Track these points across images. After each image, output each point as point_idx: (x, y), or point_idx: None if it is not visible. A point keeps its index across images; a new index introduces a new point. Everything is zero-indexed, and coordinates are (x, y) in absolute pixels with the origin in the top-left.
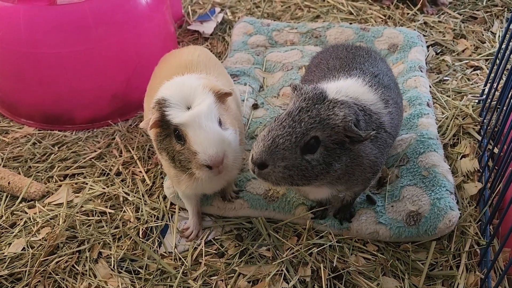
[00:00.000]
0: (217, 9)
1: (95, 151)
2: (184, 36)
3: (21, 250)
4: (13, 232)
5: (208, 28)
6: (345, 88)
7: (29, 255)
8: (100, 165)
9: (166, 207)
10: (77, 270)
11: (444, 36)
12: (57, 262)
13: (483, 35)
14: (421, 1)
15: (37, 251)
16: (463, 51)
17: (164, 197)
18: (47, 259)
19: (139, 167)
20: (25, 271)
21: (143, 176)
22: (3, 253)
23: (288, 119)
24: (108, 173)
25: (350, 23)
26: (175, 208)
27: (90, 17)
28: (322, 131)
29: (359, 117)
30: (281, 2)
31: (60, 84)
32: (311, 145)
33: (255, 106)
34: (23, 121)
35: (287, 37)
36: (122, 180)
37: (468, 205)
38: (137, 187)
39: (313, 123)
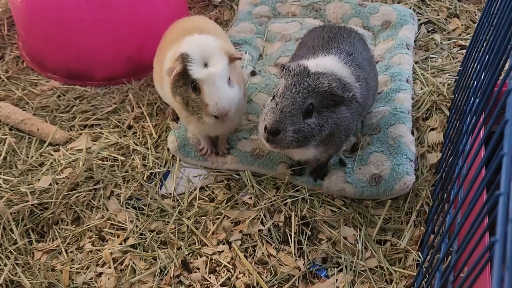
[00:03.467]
0: None
1: (111, 106)
2: (195, 2)
3: (48, 185)
4: (41, 170)
5: None
6: (322, 63)
7: (54, 190)
8: (115, 118)
9: (168, 157)
10: (93, 204)
11: (438, 15)
12: (77, 197)
13: (476, 15)
14: None
15: (61, 186)
16: (453, 30)
17: (168, 150)
18: (69, 194)
19: (147, 122)
20: (51, 202)
21: (150, 130)
22: (34, 187)
23: (288, 92)
24: (121, 126)
25: None
26: (176, 159)
27: None
28: (315, 98)
29: (338, 85)
30: None
31: (81, 45)
32: (309, 110)
33: (253, 73)
34: (49, 75)
35: (289, 9)
36: (133, 133)
37: (427, 172)
38: (145, 139)
39: (307, 93)
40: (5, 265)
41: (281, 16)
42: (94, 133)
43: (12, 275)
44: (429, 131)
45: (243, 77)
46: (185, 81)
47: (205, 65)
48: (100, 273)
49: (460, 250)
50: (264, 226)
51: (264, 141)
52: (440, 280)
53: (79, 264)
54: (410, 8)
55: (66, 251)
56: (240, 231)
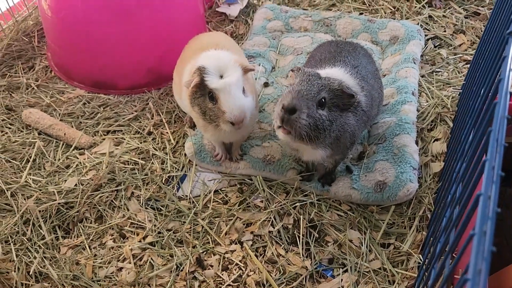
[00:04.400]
0: None
1: (132, 113)
2: (212, 17)
3: (74, 186)
4: (67, 172)
5: (234, 11)
6: (331, 73)
7: (79, 190)
8: (136, 125)
9: (185, 161)
10: (115, 204)
11: (445, 31)
12: (100, 197)
13: (481, 31)
14: None
15: (86, 187)
16: (459, 45)
17: (185, 155)
18: (93, 194)
19: (166, 129)
20: (76, 202)
21: (169, 136)
22: (61, 187)
23: (303, 83)
24: (141, 132)
25: (361, 13)
26: (192, 163)
27: (133, 3)
28: (327, 93)
29: (349, 87)
30: None
31: (106, 56)
32: (322, 103)
33: (265, 84)
34: (75, 84)
35: (301, 23)
36: (152, 139)
37: (430, 180)
38: (164, 145)
39: (321, 87)
40: (35, 257)
41: (293, 31)
42: (116, 138)
43: (40, 267)
44: (433, 141)
45: (256, 87)
46: (202, 92)
47: (221, 77)
48: (121, 268)
49: (451, 250)
50: (274, 228)
51: (278, 127)
52: (434, 279)
53: (101, 259)
54: (418, 24)
55: (89, 247)
56: (252, 232)
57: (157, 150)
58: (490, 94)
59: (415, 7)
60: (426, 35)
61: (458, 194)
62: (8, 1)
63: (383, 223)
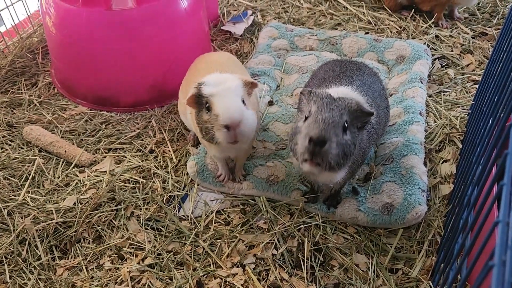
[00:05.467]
0: (249, 12)
1: (134, 131)
2: (217, 35)
3: (72, 205)
4: (67, 190)
5: (239, 29)
6: (341, 91)
7: (78, 209)
8: (137, 143)
9: (187, 181)
10: (114, 224)
11: (452, 51)
12: (99, 216)
13: (489, 51)
14: (436, 14)
15: (85, 206)
16: (467, 65)
17: (187, 174)
18: (92, 213)
19: (168, 147)
20: (75, 221)
21: (171, 155)
22: (59, 205)
23: (324, 109)
24: (143, 150)
25: (367, 33)
26: (194, 183)
27: (137, 21)
28: (348, 116)
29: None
30: (308, 9)
31: (109, 73)
32: (345, 127)
33: (270, 103)
34: (78, 101)
35: (307, 42)
36: (154, 157)
37: (439, 203)
38: (166, 163)
39: (341, 110)
40: (29, 279)
41: (298, 50)
42: (117, 156)
43: None
44: (442, 162)
45: (259, 105)
46: (200, 108)
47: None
48: None
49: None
50: (277, 251)
51: (304, 161)
52: None
53: (98, 282)
54: (425, 43)
55: (86, 268)
56: (254, 255)
57: (158, 169)
58: (504, 115)
59: (421, 27)
60: (433, 55)
61: (471, 220)
62: (13, 18)
63: (391, 247)
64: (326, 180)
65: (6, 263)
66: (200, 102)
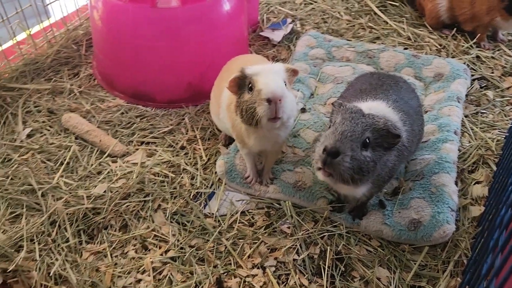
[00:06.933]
0: (289, 20)
1: (168, 126)
2: (255, 40)
3: (103, 192)
4: (98, 178)
5: (277, 36)
6: (374, 107)
7: (108, 197)
8: (169, 138)
9: (215, 179)
10: (141, 214)
11: (493, 72)
12: (127, 206)
13: None
14: (479, 35)
15: (114, 195)
16: (507, 88)
17: (215, 172)
18: (120, 202)
19: (199, 145)
20: (104, 208)
21: (201, 152)
22: (90, 192)
23: (347, 122)
24: (175, 146)
25: (405, 49)
26: (222, 182)
27: (180, 20)
28: (372, 133)
29: (392, 124)
30: (347, 21)
31: (149, 69)
32: (365, 144)
33: (303, 110)
34: (116, 93)
35: (344, 53)
36: (185, 153)
37: (468, 224)
38: (196, 161)
39: (365, 126)
40: (56, 259)
41: (335, 60)
42: (149, 149)
43: (61, 269)
44: (474, 184)
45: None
46: (242, 90)
47: None
48: (139, 280)
49: None
50: (299, 256)
51: (318, 169)
52: None
53: (121, 269)
54: (465, 63)
55: (111, 255)
56: (275, 258)
57: (188, 165)
58: None
59: (462, 46)
60: (472, 75)
61: (502, 240)
62: (62, 11)
63: (415, 263)
64: (348, 192)
65: (36, 241)
66: (243, 84)
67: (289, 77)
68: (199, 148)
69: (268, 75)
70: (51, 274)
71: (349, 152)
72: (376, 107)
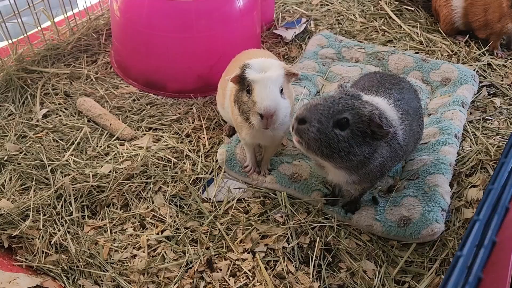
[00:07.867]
0: (303, 19)
1: (175, 115)
2: (269, 38)
3: (108, 172)
4: (105, 159)
5: (289, 34)
6: (375, 100)
7: (112, 177)
8: (176, 126)
9: (215, 167)
10: (142, 195)
11: (502, 80)
12: (129, 186)
13: None
14: (492, 43)
15: (118, 175)
16: None
17: (216, 160)
18: (124, 182)
19: (204, 134)
20: (107, 187)
21: (205, 141)
22: (96, 171)
23: (330, 98)
24: (180, 134)
25: (416, 53)
26: (221, 169)
27: (193, 13)
28: (353, 116)
29: (382, 118)
30: (361, 23)
31: (161, 60)
32: (342, 123)
33: None
34: (129, 81)
35: (354, 54)
36: (189, 141)
37: (460, 225)
38: (199, 148)
39: (347, 108)
40: (59, 230)
41: (344, 60)
42: (156, 135)
43: (62, 239)
44: (470, 187)
45: (293, 97)
46: (242, 88)
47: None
48: (135, 255)
49: None
50: (288, 244)
51: (293, 134)
52: None
53: (118, 244)
54: (475, 70)
55: (110, 230)
56: (266, 245)
57: (191, 152)
58: None
59: (474, 53)
60: (481, 82)
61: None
62: (86, 1)
63: (402, 259)
64: (334, 178)
65: (42, 212)
66: (243, 82)
67: (288, 78)
68: (203, 137)
69: (265, 87)
70: (52, 243)
71: (316, 124)
72: (376, 101)
